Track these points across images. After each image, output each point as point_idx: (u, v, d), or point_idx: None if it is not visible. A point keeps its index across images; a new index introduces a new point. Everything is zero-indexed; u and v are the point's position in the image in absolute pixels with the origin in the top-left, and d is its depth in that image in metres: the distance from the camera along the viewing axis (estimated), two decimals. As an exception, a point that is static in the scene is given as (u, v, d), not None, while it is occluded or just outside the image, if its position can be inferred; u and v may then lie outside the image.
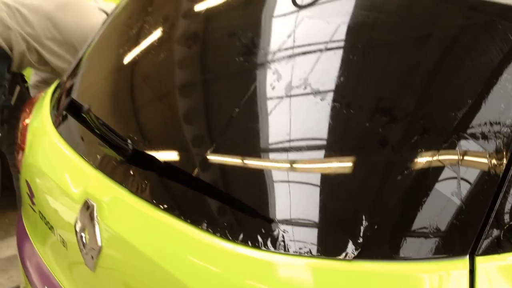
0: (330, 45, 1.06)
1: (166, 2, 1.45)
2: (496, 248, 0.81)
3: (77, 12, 2.20)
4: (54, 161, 1.35)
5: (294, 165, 0.97)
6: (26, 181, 1.46)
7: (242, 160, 1.03)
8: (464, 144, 0.86)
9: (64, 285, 1.31)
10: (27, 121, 1.62)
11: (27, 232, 1.55)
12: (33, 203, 1.44)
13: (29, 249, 1.52)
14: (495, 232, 0.81)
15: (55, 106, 1.47)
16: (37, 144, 1.45)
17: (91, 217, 1.14)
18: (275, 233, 0.90)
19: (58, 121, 1.40)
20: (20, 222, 1.65)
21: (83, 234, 1.16)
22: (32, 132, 1.50)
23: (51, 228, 1.34)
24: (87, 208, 1.15)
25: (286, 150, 0.97)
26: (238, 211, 0.97)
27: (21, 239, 1.59)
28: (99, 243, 1.11)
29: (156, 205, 1.04)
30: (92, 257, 1.14)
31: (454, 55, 0.95)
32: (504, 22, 0.92)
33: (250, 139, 1.03)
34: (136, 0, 1.52)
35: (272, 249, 0.89)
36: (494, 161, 0.83)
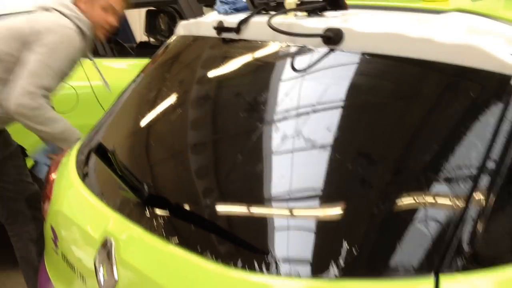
0: (321, 105, 1.24)
1: (180, 71, 1.65)
2: (458, 268, 0.93)
3: None
4: (77, 206, 1.51)
5: (286, 205, 1.12)
6: (51, 227, 1.62)
7: (240, 203, 1.19)
8: (431, 182, 1.01)
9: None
10: (53, 175, 1.80)
11: (49, 275, 1.69)
12: (56, 246, 1.58)
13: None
14: (458, 255, 0.94)
15: (79, 159, 1.65)
16: (62, 193, 1.62)
17: (109, 253, 1.28)
18: (270, 259, 1.04)
19: (82, 172, 1.58)
20: (42, 267, 1.79)
21: (101, 269, 1.30)
22: (58, 183, 1.68)
23: (72, 268, 1.47)
24: (106, 245, 1.30)
25: (275, 192, 1.14)
26: (239, 243, 1.11)
27: (43, 283, 1.72)
28: (116, 277, 1.25)
29: (168, 239, 1.19)
30: (109, 290, 1.27)
31: (422, 112, 1.11)
32: (466, 82, 1.09)
33: (246, 187, 1.20)
34: (156, 69, 1.73)
35: (267, 273, 1.03)
36: (456, 196, 0.97)
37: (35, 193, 2.40)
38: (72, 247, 1.49)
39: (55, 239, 1.59)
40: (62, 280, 1.59)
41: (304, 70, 1.30)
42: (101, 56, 3.63)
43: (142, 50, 4.38)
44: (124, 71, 3.69)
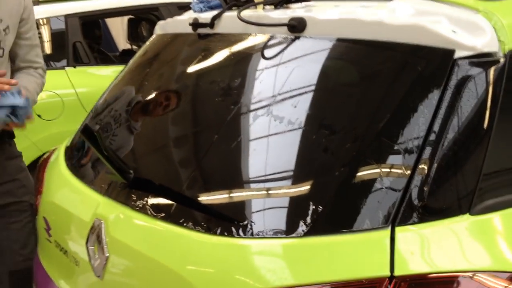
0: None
1: (160, 64, 1.77)
2: (411, 220, 1.05)
3: None
4: (67, 195, 1.62)
5: (256, 176, 1.24)
6: (44, 218, 1.72)
7: (216, 179, 1.31)
8: (385, 146, 1.13)
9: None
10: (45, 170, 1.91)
11: (43, 265, 1.78)
12: (49, 235, 1.68)
13: (45, 280, 1.74)
14: (410, 209, 1.06)
15: (67, 153, 1.76)
16: (53, 185, 1.73)
17: (99, 233, 1.39)
18: (245, 225, 1.15)
19: (71, 163, 1.68)
20: (36, 261, 1.88)
21: (92, 248, 1.40)
22: (48, 175, 1.78)
23: (65, 252, 1.57)
24: (96, 226, 1.40)
25: (247, 166, 1.26)
26: (215, 212, 1.23)
27: (37, 272, 1.81)
28: (107, 253, 1.36)
29: (154, 216, 1.30)
30: (101, 267, 1.37)
31: (378, 87, 1.24)
32: (415, 58, 1.21)
33: (221, 165, 1.32)
34: (137, 64, 1.85)
35: (244, 236, 1.14)
36: (407, 156, 1.09)
37: None
38: (64, 233, 1.59)
39: (48, 228, 1.69)
40: (57, 268, 1.68)
41: (273, 57, 1.42)
42: (85, 64, 3.74)
43: (125, 57, 4.49)
44: (109, 77, 3.81)
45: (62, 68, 3.62)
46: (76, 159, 1.69)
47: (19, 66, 1.95)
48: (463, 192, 1.08)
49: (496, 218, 1.07)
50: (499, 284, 1.00)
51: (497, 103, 1.13)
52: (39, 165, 1.98)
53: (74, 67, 3.66)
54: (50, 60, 3.72)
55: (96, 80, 3.65)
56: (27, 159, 3.19)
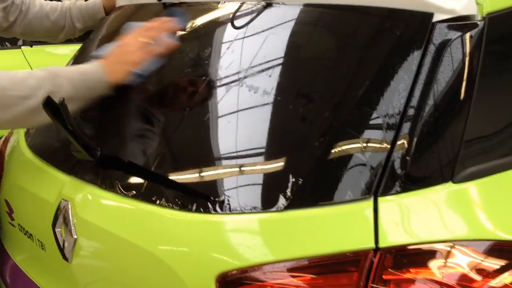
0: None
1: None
2: (393, 190, 1.02)
3: None
4: (30, 175, 1.53)
5: (233, 149, 1.19)
6: (5, 201, 1.63)
7: (188, 154, 1.26)
8: (365, 116, 1.09)
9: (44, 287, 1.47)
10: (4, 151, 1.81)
11: (7, 250, 1.70)
12: (12, 219, 1.60)
13: (10, 265, 1.67)
14: (392, 179, 1.03)
15: (28, 130, 1.67)
16: (13, 165, 1.64)
17: (66, 215, 1.32)
18: (220, 200, 1.10)
19: (32, 141, 1.60)
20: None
21: (59, 230, 1.33)
22: (9, 157, 1.69)
23: (30, 236, 1.50)
24: (62, 207, 1.33)
25: (221, 138, 1.20)
26: (189, 188, 1.17)
27: (1, 258, 1.73)
28: (74, 236, 1.29)
29: (123, 194, 1.23)
30: (69, 250, 1.31)
31: (356, 54, 1.19)
32: (393, 22, 1.17)
33: (193, 138, 1.27)
34: (98, 37, 1.76)
35: (220, 211, 1.09)
36: (388, 126, 1.06)
37: None
38: (28, 216, 1.52)
39: (11, 212, 1.60)
40: (22, 252, 1.61)
41: (244, 26, 1.36)
42: (42, 43, 3.60)
43: (85, 36, 4.34)
44: (67, 56, 3.68)
45: (18, 47, 3.48)
46: (37, 137, 1.59)
47: None
48: (445, 160, 1.05)
49: (478, 186, 1.05)
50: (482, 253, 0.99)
51: (477, 68, 1.10)
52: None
53: (31, 46, 3.52)
54: (5, 40, 3.57)
55: (54, 60, 3.53)
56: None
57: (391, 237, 0.97)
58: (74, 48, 3.83)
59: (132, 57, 1.29)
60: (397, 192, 1.02)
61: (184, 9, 1.48)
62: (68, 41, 4.40)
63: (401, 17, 1.14)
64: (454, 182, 1.03)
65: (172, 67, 1.45)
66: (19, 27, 1.87)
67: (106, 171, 1.31)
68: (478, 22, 1.12)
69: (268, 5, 1.32)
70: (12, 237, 1.64)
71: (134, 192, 1.22)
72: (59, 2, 1.93)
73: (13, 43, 3.54)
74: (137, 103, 1.44)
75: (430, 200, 1.02)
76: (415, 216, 1.00)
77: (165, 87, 1.44)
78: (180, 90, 1.39)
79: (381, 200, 1.01)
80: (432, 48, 1.09)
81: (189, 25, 1.53)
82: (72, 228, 1.30)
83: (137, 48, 1.30)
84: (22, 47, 3.53)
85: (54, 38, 1.99)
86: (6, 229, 1.68)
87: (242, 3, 1.38)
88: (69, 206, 1.31)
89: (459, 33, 1.11)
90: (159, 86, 1.46)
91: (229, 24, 1.40)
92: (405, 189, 1.02)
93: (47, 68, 1.30)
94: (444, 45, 1.10)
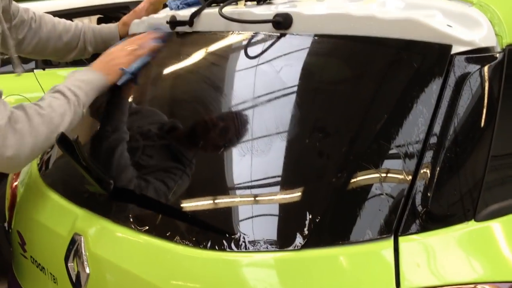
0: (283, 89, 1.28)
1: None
2: (414, 229, 0.99)
3: None
4: (43, 207, 1.51)
5: (248, 185, 1.17)
6: (18, 232, 1.62)
7: (203, 189, 1.24)
8: (384, 151, 1.06)
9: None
10: (15, 183, 1.80)
11: (19, 281, 1.68)
12: (24, 251, 1.58)
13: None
14: (413, 218, 1.00)
15: (41, 161, 1.66)
16: (26, 196, 1.62)
17: (79, 249, 1.30)
18: (238, 238, 1.07)
19: (45, 174, 1.58)
20: (10, 275, 1.78)
21: (71, 265, 1.31)
22: (21, 188, 1.68)
23: (42, 269, 1.48)
24: (75, 241, 1.31)
25: (237, 174, 1.18)
26: (205, 224, 1.15)
27: (13, 289, 1.72)
28: (87, 270, 1.27)
29: (136, 229, 1.21)
30: (81, 285, 1.28)
31: (372, 86, 1.17)
32: (410, 54, 1.15)
33: (208, 173, 1.25)
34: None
35: (235, 249, 1.06)
36: (408, 162, 1.03)
37: None
38: (41, 248, 1.50)
39: (23, 243, 1.59)
40: (33, 284, 1.59)
41: (258, 56, 1.34)
42: (55, 66, 3.61)
43: (95, 58, 4.36)
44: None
45: (31, 70, 3.49)
46: (51, 168, 1.58)
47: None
48: (466, 197, 1.02)
49: (501, 224, 1.02)
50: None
51: (498, 101, 1.08)
52: (10, 177, 1.87)
53: (43, 69, 3.54)
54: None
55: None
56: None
57: (413, 279, 0.94)
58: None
59: (121, 60, 1.49)
60: (418, 231, 0.99)
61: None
62: (81, 64, 4.44)
63: (419, 49, 1.12)
64: (476, 221, 1.00)
65: (187, 98, 1.43)
66: (29, 45, 1.80)
67: (120, 205, 1.29)
68: (498, 54, 1.10)
69: (282, 35, 1.31)
70: (24, 268, 1.63)
71: (147, 227, 1.20)
72: (73, 22, 1.89)
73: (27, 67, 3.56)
74: (151, 137, 1.42)
75: (452, 240, 0.99)
76: (437, 257, 0.97)
77: (179, 120, 1.43)
78: (195, 123, 1.38)
79: (402, 239, 0.98)
80: (451, 81, 1.07)
81: (202, 54, 1.52)
82: (85, 262, 1.28)
83: (125, 53, 1.51)
84: (35, 70, 3.55)
85: (61, 58, 1.95)
86: (18, 260, 1.67)
87: (256, 33, 1.36)
88: (82, 240, 1.29)
89: (478, 66, 1.08)
90: (173, 119, 1.44)
91: (244, 54, 1.39)
92: (426, 228, 0.99)
93: (54, 87, 1.42)
94: (463, 78, 1.07)
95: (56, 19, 1.87)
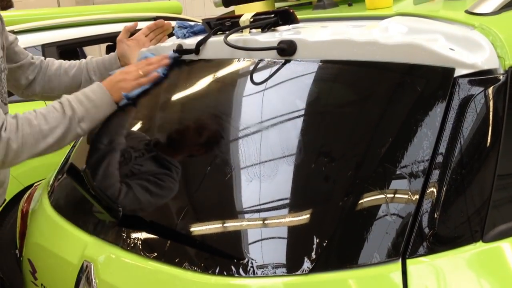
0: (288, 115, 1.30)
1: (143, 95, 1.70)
2: (422, 252, 0.99)
3: None
4: (53, 235, 1.53)
5: (256, 211, 1.17)
6: (29, 260, 1.63)
7: (211, 215, 1.25)
8: (389, 175, 1.07)
9: None
10: (26, 209, 1.82)
11: (30, 310, 1.69)
12: (35, 279, 1.59)
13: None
14: (421, 240, 1.00)
15: (51, 190, 1.67)
16: (36, 224, 1.64)
17: (89, 277, 1.31)
18: (246, 263, 1.08)
19: (55, 201, 1.60)
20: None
21: (82, 292, 1.32)
22: (32, 215, 1.69)
23: (53, 297, 1.49)
24: (85, 268, 1.32)
25: (244, 200, 1.19)
26: (212, 250, 1.15)
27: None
28: (97, 298, 1.27)
29: (145, 256, 1.22)
30: (92, 312, 1.29)
31: (376, 110, 1.18)
32: (413, 78, 1.16)
33: (216, 199, 1.26)
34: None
35: (245, 275, 1.07)
36: (413, 185, 1.04)
37: None
38: (51, 276, 1.51)
39: (34, 271, 1.60)
40: (44, 313, 1.60)
41: (263, 82, 1.36)
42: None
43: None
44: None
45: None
46: (60, 196, 1.60)
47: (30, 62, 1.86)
48: (473, 218, 1.02)
49: (510, 244, 1.01)
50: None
51: (502, 122, 1.09)
52: (21, 204, 1.89)
53: (54, 97, 3.58)
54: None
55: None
56: (8, 194, 3.10)
57: (422, 303, 0.94)
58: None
59: (126, 84, 1.57)
60: (426, 254, 0.99)
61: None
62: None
63: (422, 73, 1.13)
64: (484, 242, 1.00)
65: (193, 124, 1.45)
66: (39, 85, 1.90)
67: (128, 232, 1.30)
68: (501, 76, 1.11)
69: (286, 61, 1.33)
70: (35, 296, 1.63)
71: (156, 253, 1.21)
72: (77, 60, 1.97)
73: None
74: (159, 162, 1.44)
75: (461, 262, 0.99)
76: (446, 279, 0.97)
77: (186, 145, 1.44)
78: (201, 149, 1.39)
79: (410, 262, 0.98)
80: (455, 104, 1.08)
81: (208, 80, 1.54)
82: (95, 290, 1.28)
83: (132, 77, 1.58)
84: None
85: (70, 94, 2.01)
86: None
87: (260, 60, 1.38)
88: (92, 267, 1.30)
89: (482, 88, 1.09)
90: (180, 145, 1.46)
91: (250, 81, 1.41)
92: (434, 250, 1.00)
93: (61, 97, 1.53)
94: (467, 100, 1.08)
95: (63, 61, 1.97)
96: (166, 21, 1.89)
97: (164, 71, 1.60)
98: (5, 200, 1.82)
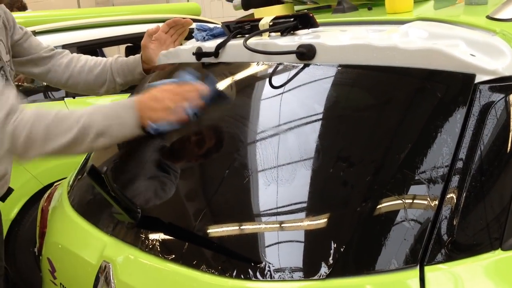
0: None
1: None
2: (440, 259, 0.99)
3: None
4: (72, 235, 1.55)
5: (274, 214, 1.18)
6: (48, 259, 1.65)
7: (230, 218, 1.25)
8: (408, 180, 1.07)
9: None
10: (46, 208, 1.84)
11: (48, 308, 1.71)
12: (54, 278, 1.61)
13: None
14: (439, 247, 1.00)
15: (71, 190, 1.70)
16: (56, 223, 1.66)
17: (107, 277, 1.32)
18: (264, 266, 1.08)
19: (75, 201, 1.62)
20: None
21: (101, 293, 1.33)
22: (52, 214, 1.71)
23: (71, 296, 1.51)
24: (104, 268, 1.34)
25: (262, 204, 1.19)
26: (230, 252, 1.16)
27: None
28: (116, 298, 1.29)
29: (164, 257, 1.23)
30: (110, 313, 1.30)
31: (395, 116, 1.18)
32: (433, 83, 1.16)
33: (234, 202, 1.26)
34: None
35: (262, 279, 1.07)
36: (432, 191, 1.03)
37: None
38: (70, 275, 1.53)
39: (53, 270, 1.62)
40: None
41: (282, 86, 1.36)
42: (84, 95, 3.69)
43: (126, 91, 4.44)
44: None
45: (61, 99, 3.57)
46: (80, 196, 1.62)
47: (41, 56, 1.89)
48: (493, 226, 1.02)
49: (530, 253, 1.01)
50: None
51: (523, 130, 1.08)
52: (42, 203, 1.92)
53: (73, 97, 3.61)
54: (49, 91, 3.67)
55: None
56: (28, 193, 3.15)
57: (440, 310, 0.94)
58: (114, 98, 3.93)
59: (155, 115, 1.41)
60: (444, 261, 0.99)
61: (215, 79, 1.49)
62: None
63: (442, 79, 1.13)
64: (503, 250, 1.00)
65: (212, 127, 1.46)
66: (59, 78, 1.92)
67: (147, 233, 1.31)
68: (522, 83, 1.10)
69: (306, 65, 1.33)
70: (54, 295, 1.65)
71: (174, 255, 1.22)
72: (104, 58, 1.98)
73: (57, 95, 3.64)
74: (178, 164, 1.45)
75: (479, 269, 0.98)
76: (464, 287, 0.96)
77: (206, 149, 1.45)
78: (219, 153, 1.40)
79: (428, 269, 0.98)
80: (475, 110, 1.07)
81: (227, 83, 1.55)
82: (113, 290, 1.30)
83: (162, 106, 1.41)
84: (65, 98, 3.62)
85: (95, 93, 2.03)
86: (48, 287, 1.70)
87: (279, 64, 1.39)
88: (111, 268, 1.32)
89: (502, 94, 1.09)
90: (201, 149, 1.47)
91: (269, 84, 1.41)
92: (452, 257, 0.99)
93: (86, 108, 1.43)
94: (488, 107, 1.08)
95: (90, 57, 1.97)
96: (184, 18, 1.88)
97: (195, 112, 1.41)
98: (10, 188, 1.81)
